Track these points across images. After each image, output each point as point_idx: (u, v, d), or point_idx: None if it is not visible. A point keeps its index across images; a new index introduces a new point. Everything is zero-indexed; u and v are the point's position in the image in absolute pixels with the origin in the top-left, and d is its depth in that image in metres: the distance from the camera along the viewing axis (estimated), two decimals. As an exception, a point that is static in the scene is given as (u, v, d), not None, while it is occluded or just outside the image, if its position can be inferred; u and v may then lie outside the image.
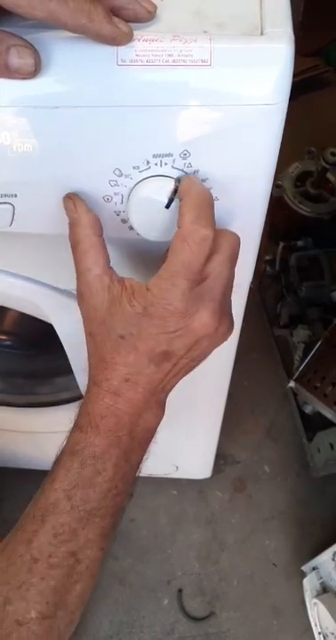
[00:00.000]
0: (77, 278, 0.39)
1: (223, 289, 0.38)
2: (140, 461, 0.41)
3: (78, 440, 0.39)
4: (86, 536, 0.38)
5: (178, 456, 1.00)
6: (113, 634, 1.02)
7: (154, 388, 0.39)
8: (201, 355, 0.40)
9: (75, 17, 0.30)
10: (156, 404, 0.40)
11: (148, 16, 0.33)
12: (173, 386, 0.41)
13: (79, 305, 0.40)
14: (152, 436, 0.41)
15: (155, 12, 0.33)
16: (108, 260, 0.38)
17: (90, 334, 0.40)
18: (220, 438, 0.91)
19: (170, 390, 0.41)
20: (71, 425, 0.40)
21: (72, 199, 0.38)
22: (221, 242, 0.37)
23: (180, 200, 0.36)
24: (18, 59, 0.31)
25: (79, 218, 0.37)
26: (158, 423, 0.41)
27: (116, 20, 0.31)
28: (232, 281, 0.39)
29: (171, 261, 0.36)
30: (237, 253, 0.39)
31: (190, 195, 0.36)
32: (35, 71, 0.32)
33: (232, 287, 0.40)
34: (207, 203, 0.36)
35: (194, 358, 0.40)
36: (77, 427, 0.39)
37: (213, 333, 0.38)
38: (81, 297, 0.39)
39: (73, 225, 0.38)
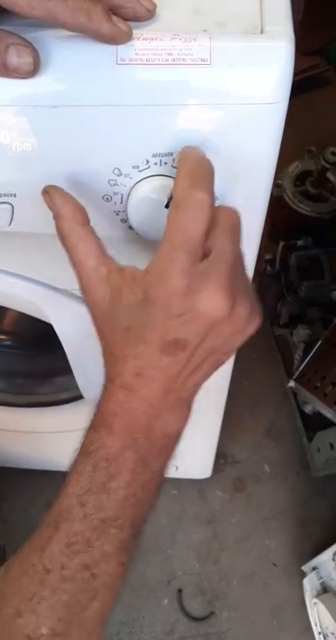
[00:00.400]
0: (75, 274, 0.36)
1: (230, 263, 0.33)
2: (163, 468, 0.38)
3: (92, 440, 0.36)
4: (102, 548, 0.35)
5: (178, 456, 0.99)
6: (113, 634, 1.02)
7: (171, 384, 0.35)
8: (224, 345, 0.35)
9: (74, 16, 0.30)
10: (176, 402, 0.36)
11: (148, 15, 0.33)
12: (197, 384, 0.37)
13: (85, 302, 0.37)
14: (175, 441, 0.38)
15: (154, 10, 0.33)
16: (101, 249, 0.36)
17: (99, 331, 0.37)
18: (220, 438, 0.90)
19: (192, 389, 0.37)
20: (87, 423, 0.37)
21: (48, 192, 0.35)
22: (219, 217, 0.34)
23: (177, 168, 0.34)
24: (17, 58, 0.31)
25: (59, 211, 0.35)
26: (182, 426, 0.37)
27: (115, 18, 0.31)
28: (240, 257, 0.35)
29: (167, 234, 0.32)
30: (239, 227, 0.35)
31: (186, 161, 0.33)
32: (34, 70, 0.32)
33: (242, 265, 0.36)
34: (205, 169, 0.33)
35: (215, 349, 0.35)
36: (92, 426, 0.37)
37: (229, 316, 0.33)
38: (83, 293, 0.36)
39: (55, 219, 0.35)
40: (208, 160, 0.34)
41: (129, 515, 0.36)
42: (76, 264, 0.36)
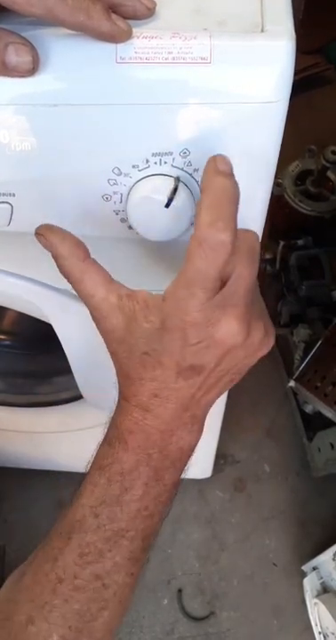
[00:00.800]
0: (85, 304, 0.37)
1: (246, 291, 0.34)
2: (175, 482, 0.39)
3: (106, 454, 0.37)
4: (113, 559, 0.36)
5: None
6: (113, 634, 1.02)
7: (186, 404, 0.36)
8: (238, 366, 0.37)
9: (73, 14, 0.30)
10: (190, 419, 0.37)
11: (148, 13, 0.33)
12: (210, 401, 0.38)
13: (96, 327, 0.38)
14: (189, 456, 0.39)
15: (154, 9, 0.33)
16: (107, 279, 0.36)
17: (112, 353, 0.38)
18: (220, 438, 0.90)
19: (206, 406, 0.38)
20: (101, 437, 0.38)
21: (42, 234, 0.35)
22: (239, 243, 0.34)
23: (201, 193, 0.33)
24: (15, 56, 0.31)
25: (56, 250, 0.35)
26: (196, 441, 0.39)
27: (114, 17, 0.31)
28: (255, 281, 0.36)
29: (186, 268, 0.33)
30: (257, 251, 0.36)
31: (211, 189, 0.32)
32: (33, 69, 0.32)
33: (257, 288, 0.37)
34: (229, 199, 0.32)
35: (229, 371, 0.36)
36: (106, 440, 0.38)
37: (244, 342, 0.34)
38: (94, 321, 0.37)
39: (54, 258, 0.36)
40: (233, 186, 0.32)
41: (140, 527, 0.37)
42: (84, 297, 0.36)
